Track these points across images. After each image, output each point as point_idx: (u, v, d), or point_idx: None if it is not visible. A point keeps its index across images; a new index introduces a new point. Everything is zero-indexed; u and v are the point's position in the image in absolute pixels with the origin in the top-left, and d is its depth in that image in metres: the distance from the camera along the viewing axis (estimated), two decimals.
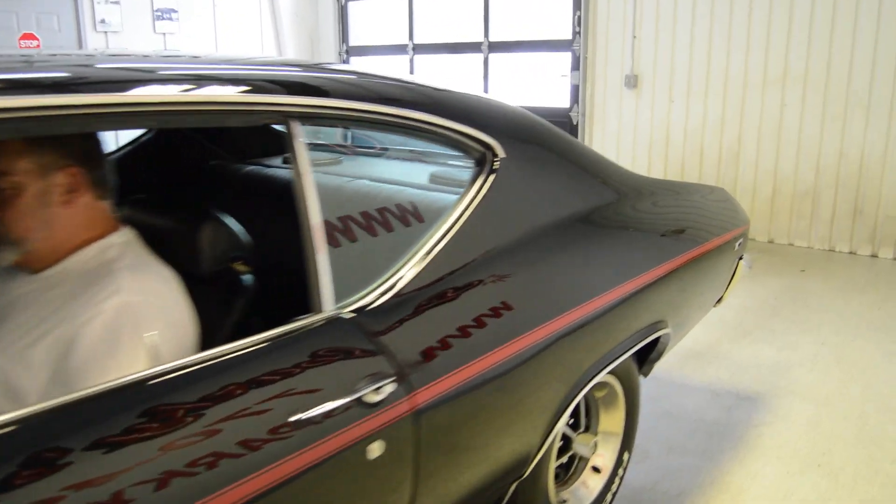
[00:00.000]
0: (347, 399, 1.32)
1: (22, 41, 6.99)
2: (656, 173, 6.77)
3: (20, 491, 0.93)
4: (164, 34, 8.13)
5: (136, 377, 1.15)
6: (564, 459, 2.32)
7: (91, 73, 1.26)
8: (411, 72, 8.54)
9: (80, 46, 7.57)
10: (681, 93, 6.50)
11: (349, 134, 3.38)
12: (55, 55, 1.51)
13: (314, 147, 2.54)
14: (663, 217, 2.53)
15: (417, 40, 8.42)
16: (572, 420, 2.33)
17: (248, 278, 1.63)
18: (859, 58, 5.62)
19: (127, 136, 2.70)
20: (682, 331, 2.67)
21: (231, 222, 1.66)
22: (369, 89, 1.62)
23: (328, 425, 1.28)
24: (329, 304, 1.42)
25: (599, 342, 2.06)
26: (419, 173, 2.38)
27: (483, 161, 1.82)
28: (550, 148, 2.09)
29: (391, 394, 1.39)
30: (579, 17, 6.93)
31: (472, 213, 1.73)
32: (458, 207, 1.72)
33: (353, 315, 1.45)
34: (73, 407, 1.05)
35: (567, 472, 2.39)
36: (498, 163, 1.82)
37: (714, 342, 4.07)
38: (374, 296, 1.50)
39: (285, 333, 1.35)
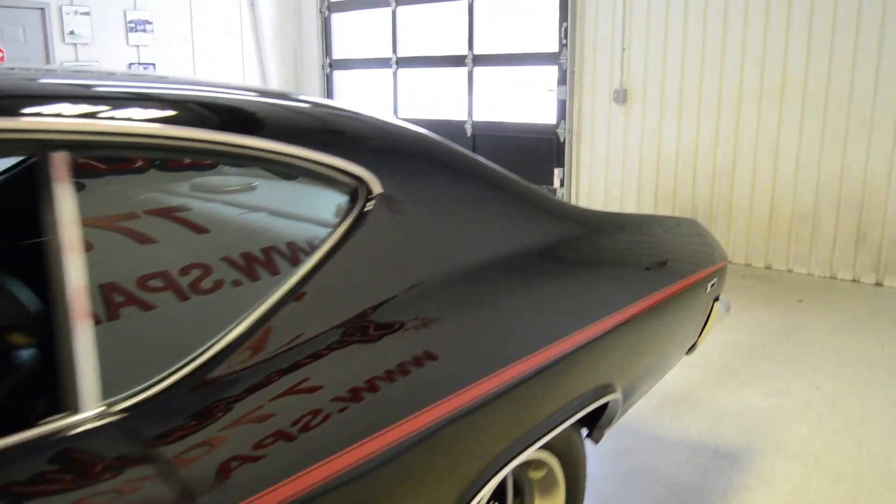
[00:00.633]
0: None
1: None
2: (647, 193, 6.38)
3: None
4: (137, 46, 7.82)
5: None
6: None
7: None
8: (394, 87, 8.19)
9: (48, 59, 7.27)
10: (672, 108, 6.11)
11: None
12: None
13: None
14: (613, 259, 2.13)
15: (401, 53, 8.08)
16: None
17: (25, 353, 1.25)
18: (862, 70, 5.22)
19: None
20: (637, 392, 2.27)
21: (12, 279, 1.28)
22: (176, 103, 1.23)
23: None
24: (91, 401, 1.04)
25: (520, 418, 1.67)
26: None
27: (354, 199, 1.44)
28: (457, 178, 1.70)
29: None
30: (566, 29, 6.56)
31: (330, 267, 1.35)
32: (309, 261, 1.34)
33: (123, 416, 1.06)
34: None
35: None
36: (372, 202, 1.44)
37: (695, 385, 3.66)
38: (161, 387, 1.11)
39: (23, 443, 0.97)
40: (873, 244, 5.40)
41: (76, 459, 1.00)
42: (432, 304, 1.51)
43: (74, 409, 1.03)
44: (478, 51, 7.36)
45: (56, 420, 1.01)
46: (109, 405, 1.06)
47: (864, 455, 2.98)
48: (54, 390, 1.04)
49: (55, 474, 0.98)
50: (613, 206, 6.62)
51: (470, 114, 7.50)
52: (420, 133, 1.69)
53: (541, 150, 7.04)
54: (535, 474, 1.99)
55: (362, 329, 1.35)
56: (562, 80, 6.69)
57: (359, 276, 1.39)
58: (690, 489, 2.75)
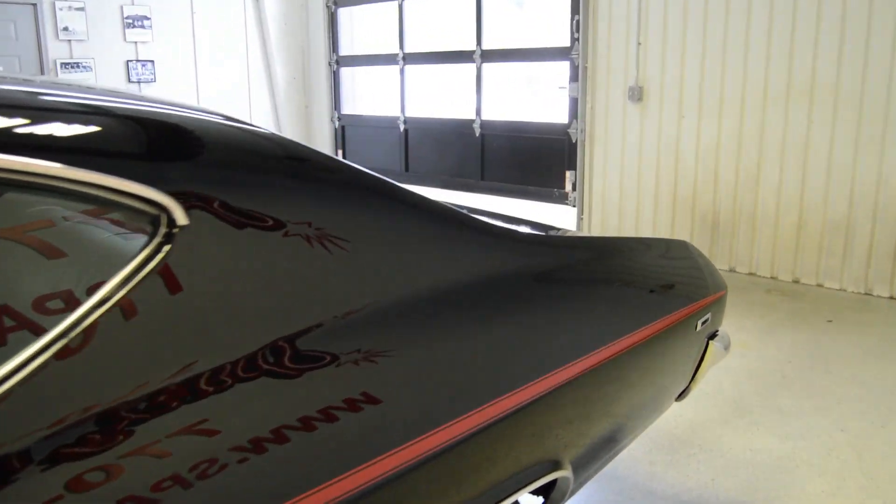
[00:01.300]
0: None
1: None
2: (665, 199, 5.89)
3: None
4: (135, 43, 7.55)
5: None
6: None
7: None
8: (402, 85, 7.80)
9: (41, 56, 7.01)
10: (692, 107, 5.61)
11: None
12: None
13: None
14: (563, 295, 1.70)
15: (408, 49, 7.68)
16: None
17: None
18: None
19: None
20: (598, 463, 1.83)
21: None
22: None
23: None
24: None
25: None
26: None
27: (154, 232, 1.03)
28: (323, 196, 1.29)
29: None
30: (578, 22, 6.10)
31: (109, 318, 0.95)
32: (76, 311, 0.95)
33: None
34: None
35: None
36: (176, 236, 1.04)
37: (700, 423, 3.20)
38: None
39: None
40: None
41: None
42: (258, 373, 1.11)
43: None
44: (486, 46, 6.93)
45: None
46: None
47: None
48: None
49: None
50: (628, 213, 6.15)
51: (478, 112, 7.07)
52: (273, 140, 1.28)
53: (552, 152, 6.59)
54: None
55: (177, 389, 0.96)
56: (574, 77, 6.23)
57: (160, 334, 0.99)
58: None
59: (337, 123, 8.61)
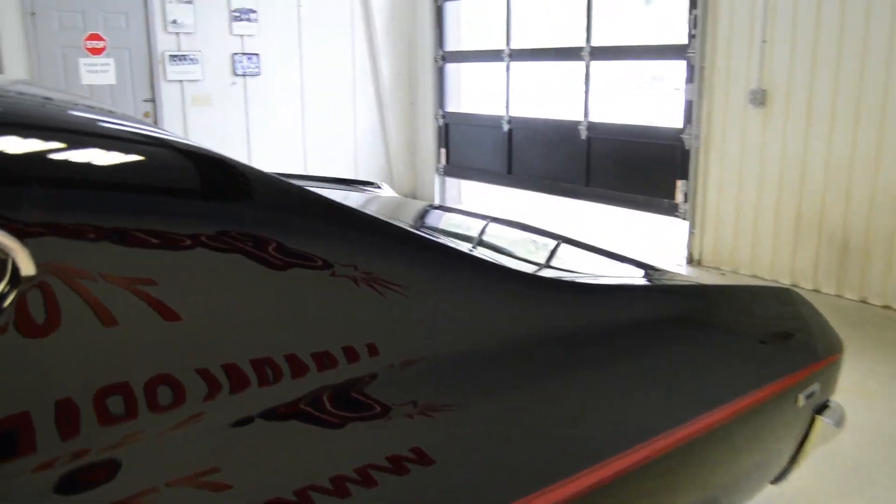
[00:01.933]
0: None
1: (88, 42, 6.54)
2: (787, 218, 5.26)
3: None
4: (241, 36, 7.54)
5: None
6: None
7: None
8: (507, 82, 7.43)
9: (150, 48, 7.10)
10: (822, 114, 4.96)
11: None
12: None
13: None
14: (644, 363, 1.32)
15: (514, 45, 7.31)
16: None
17: None
18: None
19: None
20: None
21: None
22: None
23: None
24: None
25: None
26: None
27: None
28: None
29: None
30: (696, 17, 5.55)
31: None
32: None
33: None
34: None
35: None
36: (22, 286, 0.75)
37: (812, 493, 2.69)
38: None
39: None
40: None
41: None
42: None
43: None
44: (595, 42, 6.46)
45: None
46: None
47: None
48: None
49: None
50: (745, 230, 5.54)
51: (586, 114, 6.62)
52: (193, 148, 0.97)
53: (663, 159, 6.06)
54: None
55: None
56: (690, 78, 5.68)
57: None
58: None
59: (441, 122, 8.34)
